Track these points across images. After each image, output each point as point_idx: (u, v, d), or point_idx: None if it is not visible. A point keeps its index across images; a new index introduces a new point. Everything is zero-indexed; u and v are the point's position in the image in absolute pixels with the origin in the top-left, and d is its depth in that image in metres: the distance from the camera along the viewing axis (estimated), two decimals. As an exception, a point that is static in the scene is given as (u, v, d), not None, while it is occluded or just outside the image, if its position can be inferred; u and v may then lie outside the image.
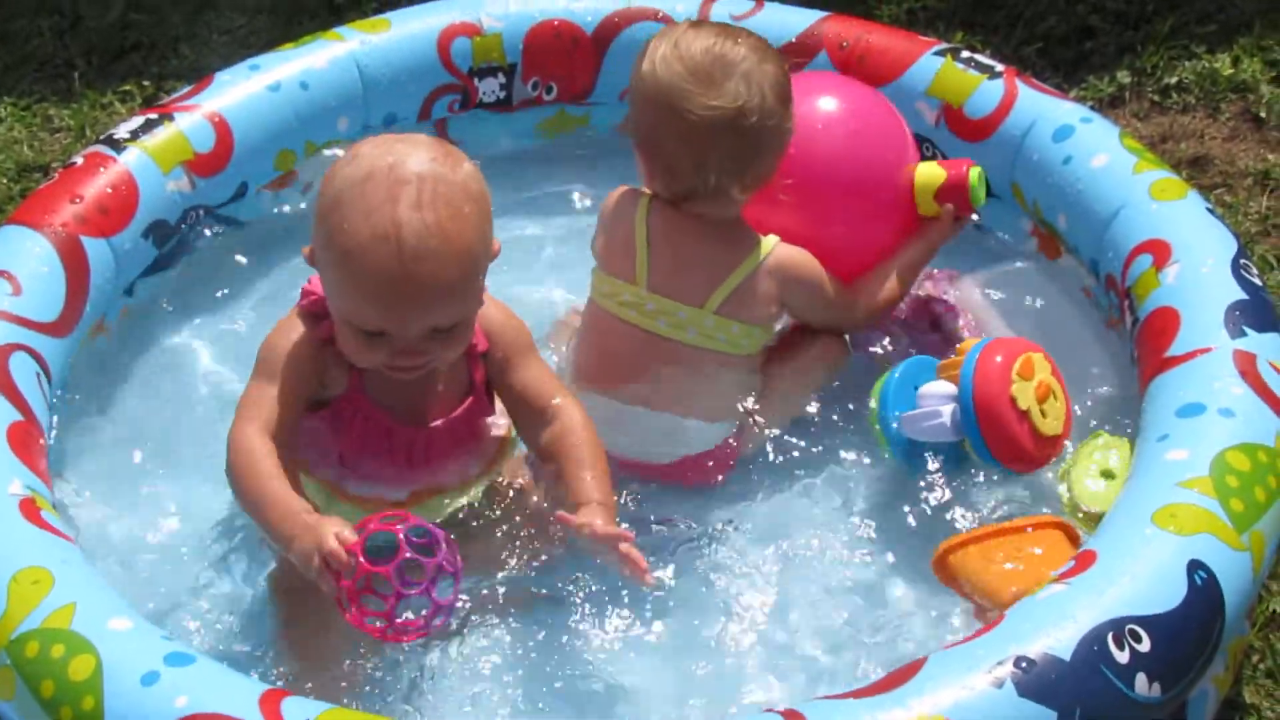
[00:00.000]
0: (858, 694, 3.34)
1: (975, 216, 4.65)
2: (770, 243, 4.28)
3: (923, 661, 3.38)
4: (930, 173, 4.47)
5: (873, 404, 4.26)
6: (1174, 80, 5.91)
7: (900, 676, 3.35)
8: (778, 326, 4.38)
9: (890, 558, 4.18)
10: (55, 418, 4.35)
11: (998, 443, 4.13)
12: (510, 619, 4.05)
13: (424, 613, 3.52)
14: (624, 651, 3.97)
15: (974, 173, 4.44)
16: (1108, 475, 4.06)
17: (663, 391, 4.29)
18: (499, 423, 4.18)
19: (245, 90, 4.97)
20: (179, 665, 3.40)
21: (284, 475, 3.75)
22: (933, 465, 4.22)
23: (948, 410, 4.16)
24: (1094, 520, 3.90)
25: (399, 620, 3.49)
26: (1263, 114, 5.73)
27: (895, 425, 4.22)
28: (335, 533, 3.49)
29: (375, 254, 3.58)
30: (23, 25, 6.46)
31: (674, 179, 4.23)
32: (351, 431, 3.98)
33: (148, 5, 6.50)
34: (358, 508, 3.97)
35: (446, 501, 4.12)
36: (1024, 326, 4.51)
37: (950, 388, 4.18)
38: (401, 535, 3.50)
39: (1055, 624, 3.40)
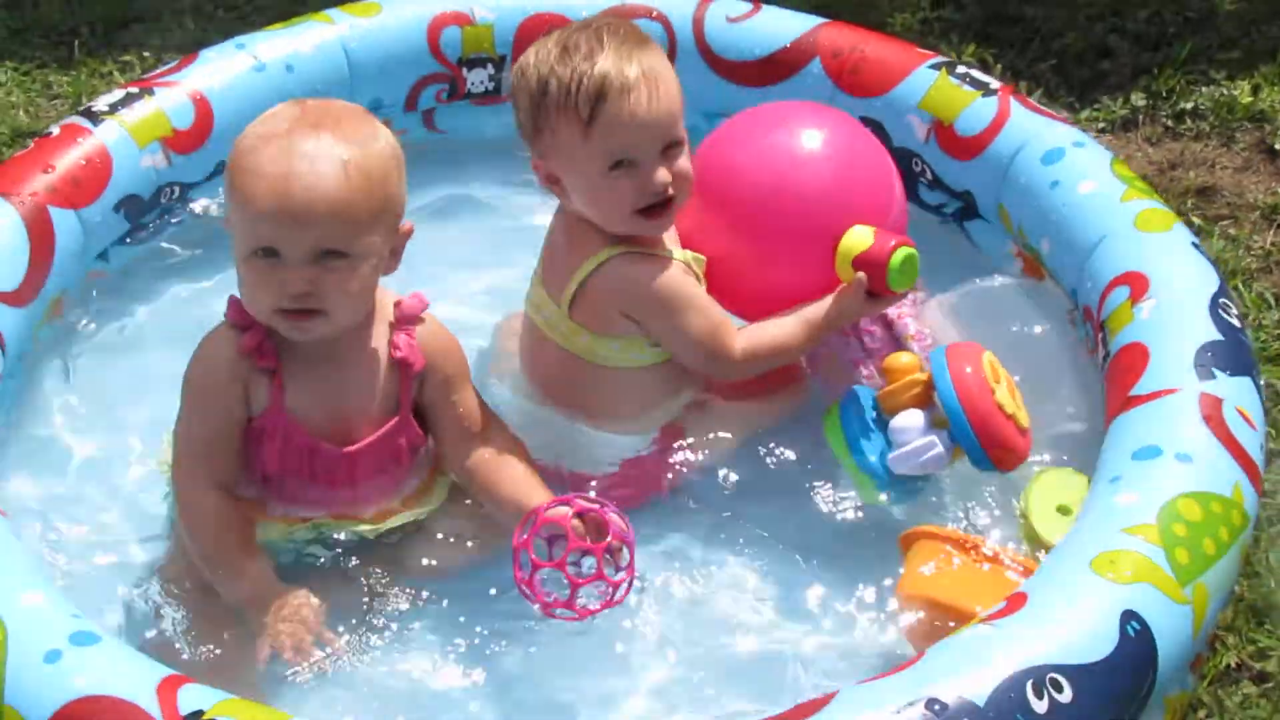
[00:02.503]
0: (762, 722, 3.23)
1: (912, 298, 4.46)
2: (613, 252, 4.11)
3: (832, 695, 3.30)
4: (857, 237, 4.15)
5: (845, 459, 4.13)
6: (1189, 106, 5.79)
7: (807, 709, 3.28)
8: (648, 346, 4.19)
9: (826, 585, 4.12)
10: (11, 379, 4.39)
11: (1000, 451, 4.05)
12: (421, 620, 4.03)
13: (602, 592, 3.75)
14: (532, 661, 3.95)
15: (900, 254, 4.12)
16: (1064, 511, 3.96)
17: (558, 394, 4.27)
18: (424, 456, 4.13)
19: (229, 69, 4.95)
20: (83, 645, 3.40)
21: (243, 536, 3.87)
22: (882, 496, 4.14)
23: (940, 439, 4.08)
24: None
25: (579, 604, 3.75)
26: (1278, 146, 5.56)
27: (880, 468, 4.10)
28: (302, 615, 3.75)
29: (267, 156, 3.63)
30: (31, -10, 6.40)
31: None
32: (273, 450, 3.91)
33: (155, -24, 6.45)
34: (280, 525, 3.99)
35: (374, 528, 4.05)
36: (999, 348, 4.35)
37: (919, 415, 4.09)
38: (567, 525, 3.74)
39: (973, 667, 3.30)
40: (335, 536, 4.00)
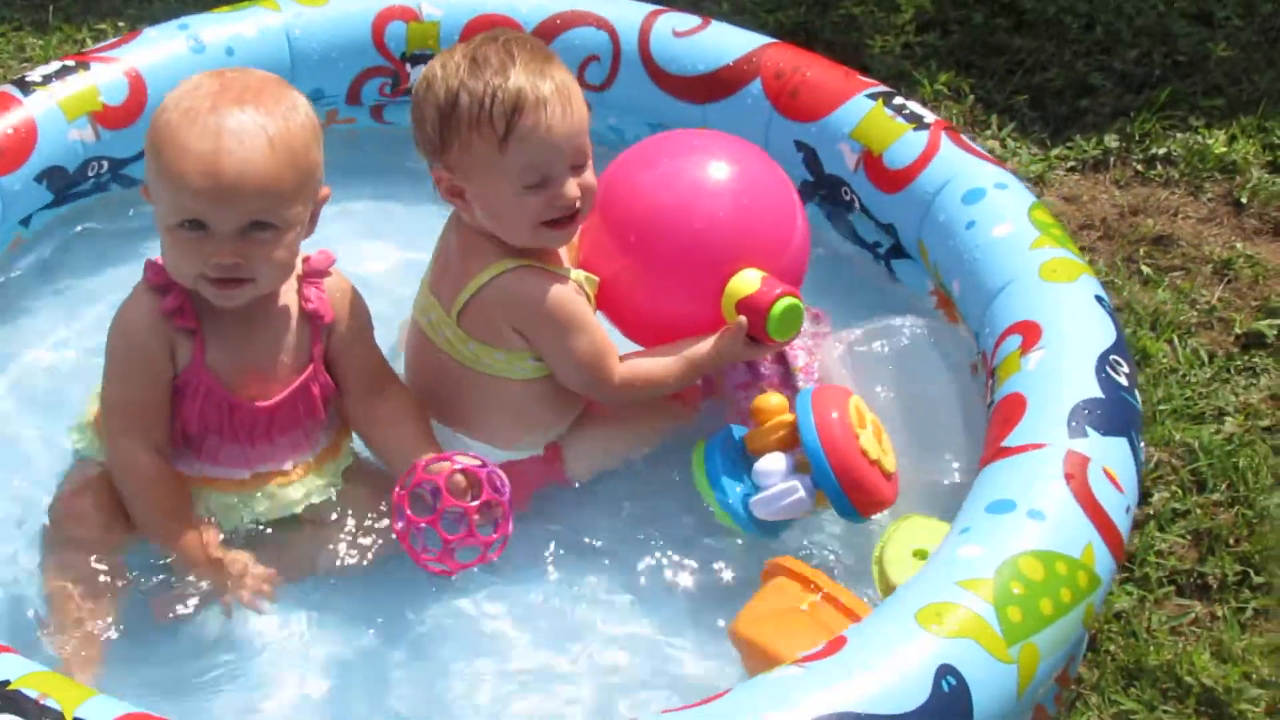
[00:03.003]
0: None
1: (810, 330, 4.46)
2: (511, 264, 4.09)
3: (628, 722, 3.26)
4: (744, 281, 4.13)
5: (708, 495, 4.12)
6: (1162, 151, 5.72)
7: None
8: (531, 360, 4.18)
9: (678, 611, 4.14)
10: None
11: (862, 496, 4.03)
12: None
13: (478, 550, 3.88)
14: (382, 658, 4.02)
15: (782, 304, 4.10)
16: (920, 555, 3.91)
17: (439, 400, 4.26)
18: (334, 413, 4.21)
19: (169, 49, 4.97)
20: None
21: (181, 497, 3.97)
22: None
23: (802, 484, 4.06)
24: None
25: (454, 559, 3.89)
26: (1244, 199, 5.51)
27: (742, 510, 4.08)
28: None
29: (194, 133, 3.70)
30: (17, -48, 6.47)
31: None
32: (193, 408, 3.99)
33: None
34: (200, 487, 4.06)
35: (290, 491, 4.12)
36: (893, 391, 4.32)
37: (782, 460, 4.09)
38: (443, 483, 3.86)
39: (775, 708, 3.27)
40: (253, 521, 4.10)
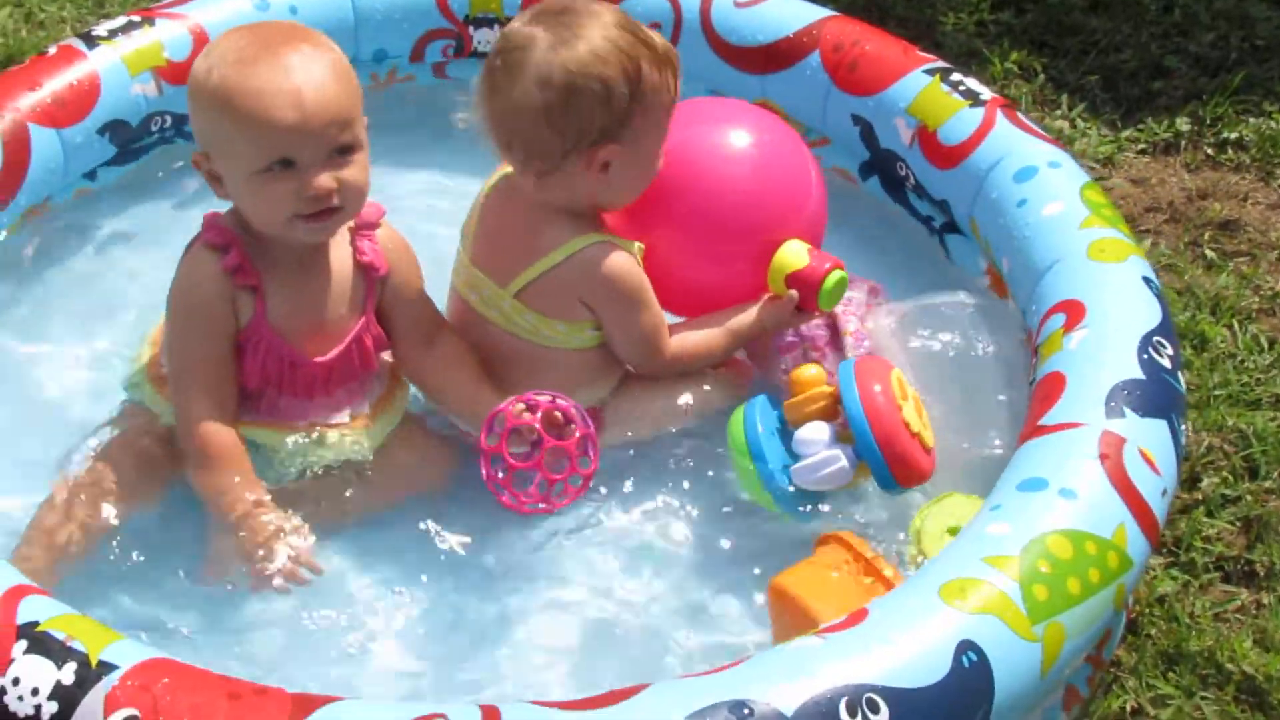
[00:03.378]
0: (565, 705, 3.26)
1: (860, 297, 4.47)
2: (592, 239, 4.09)
3: (642, 688, 3.28)
4: (791, 254, 4.21)
5: (744, 465, 4.12)
6: (1234, 136, 5.66)
7: (612, 697, 3.26)
8: (591, 330, 4.20)
9: (724, 575, 4.15)
10: None
11: (904, 469, 4.03)
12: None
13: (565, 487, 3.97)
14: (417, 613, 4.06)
15: (833, 276, 4.20)
16: (954, 533, 3.90)
17: (487, 369, 4.24)
18: (385, 364, 4.28)
19: (233, 6, 5.02)
20: (-60, 549, 3.46)
21: (245, 466, 4.00)
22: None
23: (844, 453, 4.05)
24: None
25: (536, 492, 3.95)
26: (1316, 186, 5.43)
27: (783, 478, 4.09)
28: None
29: (265, 75, 3.76)
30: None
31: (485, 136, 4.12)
32: (255, 363, 4.06)
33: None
34: (258, 428, 4.12)
35: (346, 441, 4.16)
36: (941, 365, 4.32)
37: (825, 429, 4.08)
38: (538, 424, 3.92)
39: (792, 677, 3.26)
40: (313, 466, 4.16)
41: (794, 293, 4.22)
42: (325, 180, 3.80)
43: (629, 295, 4.18)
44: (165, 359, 4.12)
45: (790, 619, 3.78)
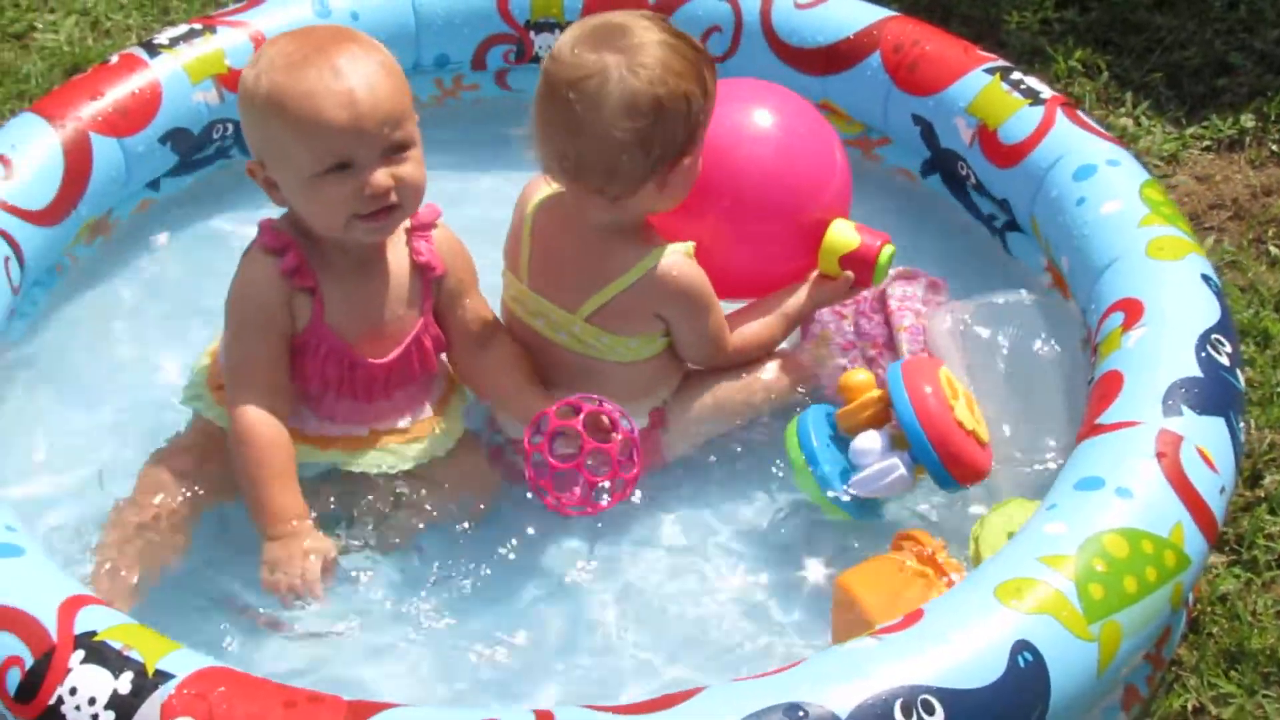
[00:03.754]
0: (620, 709, 3.28)
1: (914, 290, 4.51)
2: (660, 253, 4.09)
3: (697, 691, 3.30)
4: (843, 235, 4.29)
5: (806, 479, 4.12)
6: (1301, 132, 5.58)
7: (667, 701, 3.27)
8: (661, 338, 4.21)
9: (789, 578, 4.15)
10: (41, 300, 4.68)
11: (962, 469, 4.04)
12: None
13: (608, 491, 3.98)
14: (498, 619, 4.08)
15: (886, 252, 4.29)
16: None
17: (552, 388, 4.22)
18: (443, 366, 4.32)
19: (295, 14, 5.03)
20: (4, 556, 3.57)
21: (288, 463, 4.01)
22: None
23: (901, 459, 4.06)
24: None
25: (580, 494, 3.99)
26: (1381, 184, 5.38)
27: (844, 492, 4.09)
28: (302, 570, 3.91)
29: (315, 78, 3.80)
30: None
31: (545, 168, 4.11)
32: (314, 366, 4.09)
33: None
34: (316, 447, 4.14)
35: (408, 449, 4.20)
36: (1002, 365, 4.33)
37: (878, 437, 4.09)
38: (580, 426, 3.94)
39: (847, 678, 3.27)
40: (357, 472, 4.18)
41: (849, 273, 4.29)
42: (383, 178, 3.83)
43: (700, 300, 4.20)
44: (222, 362, 4.14)
45: (851, 617, 3.80)
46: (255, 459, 4.00)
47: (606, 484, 3.98)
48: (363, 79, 3.80)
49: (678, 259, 4.14)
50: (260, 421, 4.01)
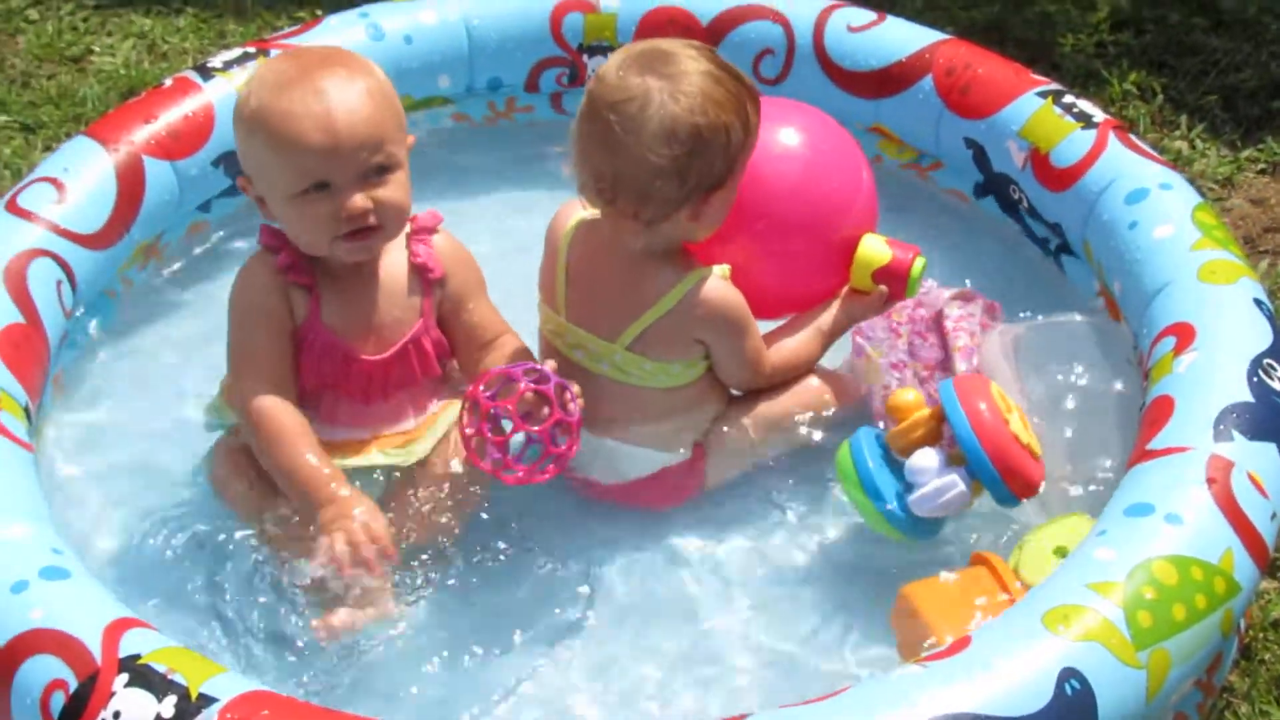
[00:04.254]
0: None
1: (968, 309, 4.49)
2: (697, 277, 4.08)
3: (743, 718, 3.30)
4: (875, 249, 4.27)
5: (863, 503, 4.10)
6: (1356, 155, 5.55)
7: (712, 729, 3.25)
8: (702, 361, 4.19)
9: (835, 604, 4.15)
10: (93, 323, 4.71)
11: (1019, 483, 4.02)
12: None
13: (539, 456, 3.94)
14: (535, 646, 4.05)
15: (918, 264, 4.27)
16: (1060, 553, 3.87)
17: (594, 417, 4.18)
18: (447, 366, 4.33)
19: (348, 37, 5.03)
20: (51, 579, 3.58)
21: (309, 433, 4.03)
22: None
23: (959, 477, 4.04)
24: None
25: (511, 459, 3.93)
26: None
27: (901, 511, 4.07)
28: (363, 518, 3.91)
29: (297, 99, 3.88)
30: (224, -62, 6.61)
31: (581, 188, 4.11)
32: (310, 362, 4.14)
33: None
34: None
35: (413, 447, 4.21)
36: (1054, 388, 4.31)
37: (935, 455, 4.06)
38: (520, 374, 3.92)
39: (892, 705, 3.27)
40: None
41: (883, 287, 4.28)
42: (359, 201, 3.89)
43: (738, 323, 4.19)
44: (227, 361, 4.19)
45: (911, 629, 3.81)
46: (275, 434, 4.03)
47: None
48: (342, 102, 3.85)
49: (715, 282, 4.13)
50: (272, 403, 4.05)
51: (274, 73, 3.94)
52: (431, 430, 4.22)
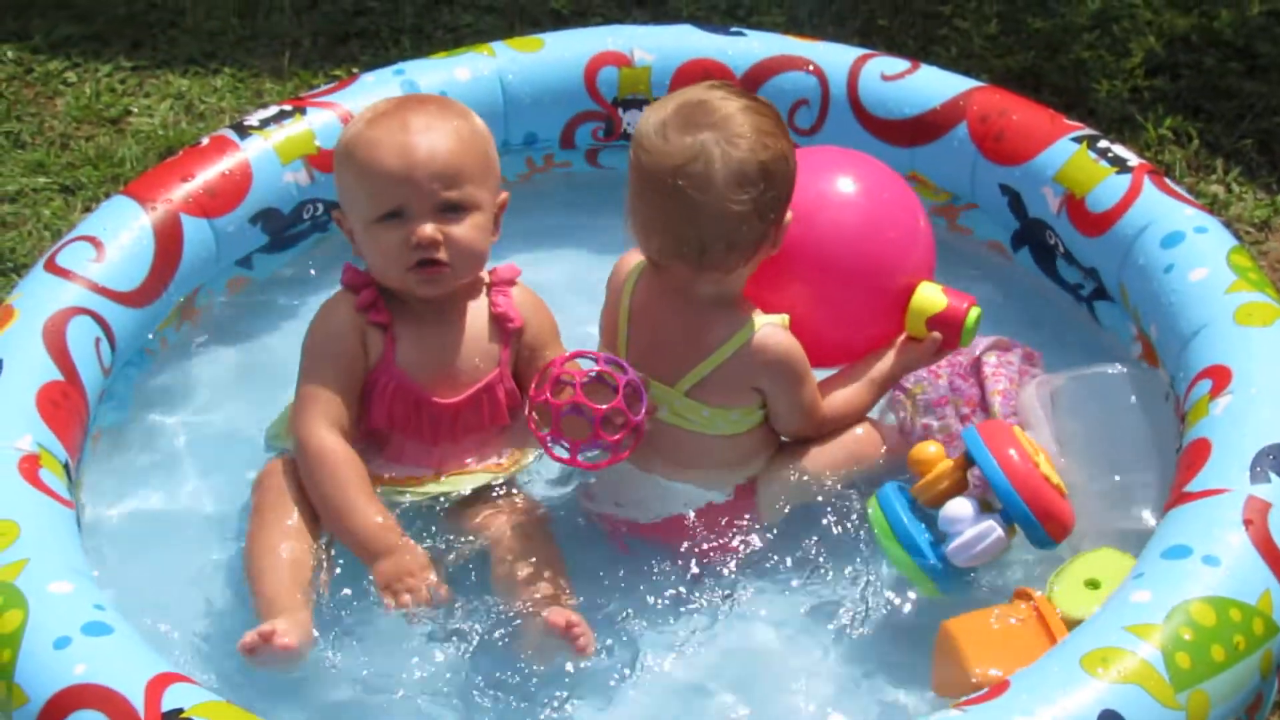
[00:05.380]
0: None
1: (1006, 356, 4.51)
2: (758, 324, 4.11)
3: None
4: (930, 297, 4.27)
5: (899, 556, 4.10)
6: (1390, 199, 5.54)
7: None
8: (759, 410, 4.21)
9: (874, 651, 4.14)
10: (133, 381, 4.73)
11: (1054, 524, 4.04)
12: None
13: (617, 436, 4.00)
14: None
15: (973, 314, 4.28)
16: (1092, 585, 3.92)
17: (649, 459, 4.22)
18: (515, 417, 4.35)
19: (383, 94, 4.97)
20: (94, 635, 3.62)
21: (365, 479, 4.08)
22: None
23: (995, 524, 4.04)
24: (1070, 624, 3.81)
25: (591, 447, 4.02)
26: None
27: (939, 563, 4.07)
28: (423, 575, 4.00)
29: (384, 128, 4.07)
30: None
31: (639, 241, 4.12)
32: (382, 403, 4.20)
33: (387, -7, 6.65)
34: (384, 486, 4.21)
35: (468, 478, 4.27)
36: (1092, 434, 4.31)
37: (968, 504, 4.06)
38: (602, 359, 4.03)
39: (931, 751, 3.23)
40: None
41: (937, 335, 4.28)
42: (429, 230, 4.00)
43: (797, 372, 4.22)
44: (295, 391, 4.24)
45: (950, 664, 3.83)
46: (331, 477, 4.09)
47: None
48: (425, 133, 4.01)
49: (774, 330, 4.16)
50: (333, 443, 4.11)
51: (373, 108, 4.14)
52: (492, 475, 4.27)
